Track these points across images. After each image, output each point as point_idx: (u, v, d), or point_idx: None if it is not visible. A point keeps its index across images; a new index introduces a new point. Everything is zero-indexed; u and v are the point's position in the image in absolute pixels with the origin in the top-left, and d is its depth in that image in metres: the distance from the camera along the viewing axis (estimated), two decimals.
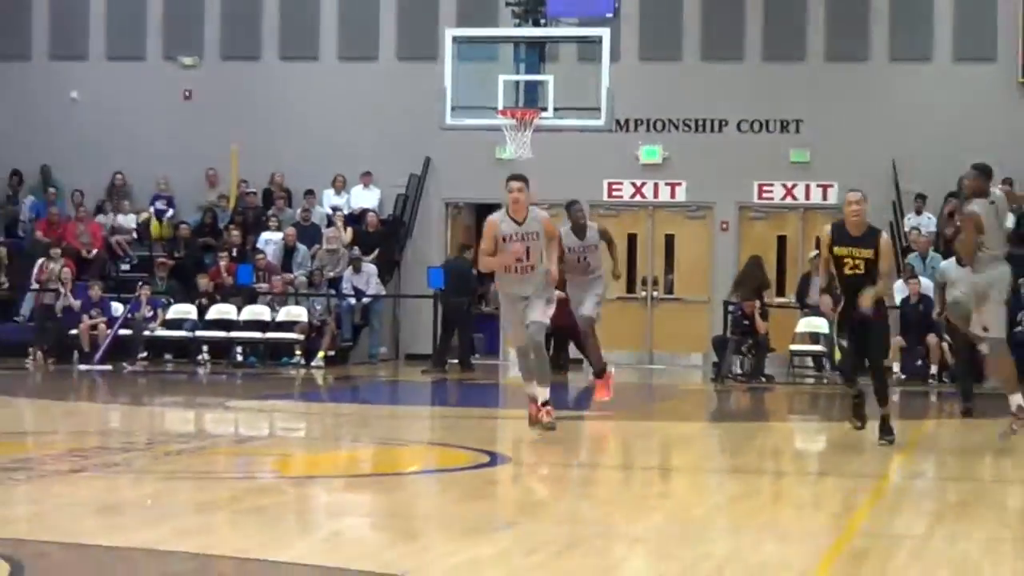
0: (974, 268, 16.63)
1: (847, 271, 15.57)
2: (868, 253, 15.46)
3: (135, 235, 33.74)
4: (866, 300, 15.19)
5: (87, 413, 21.32)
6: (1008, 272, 16.71)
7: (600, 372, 19.57)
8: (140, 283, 31.00)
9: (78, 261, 31.97)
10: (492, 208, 34.24)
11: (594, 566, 9.50)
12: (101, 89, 34.38)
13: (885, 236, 15.94)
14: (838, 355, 16.46)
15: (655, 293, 33.34)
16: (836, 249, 15.64)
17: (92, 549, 9.33)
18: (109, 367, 27.92)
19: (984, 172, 17.53)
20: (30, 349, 29.98)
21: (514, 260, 15.84)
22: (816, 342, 30.07)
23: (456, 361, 29.50)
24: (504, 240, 15.91)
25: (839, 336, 16.06)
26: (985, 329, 16.62)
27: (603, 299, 19.73)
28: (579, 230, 19.24)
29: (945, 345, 28.23)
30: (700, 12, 33.37)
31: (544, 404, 16.21)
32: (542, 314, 15.98)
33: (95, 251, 32.65)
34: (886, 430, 16.43)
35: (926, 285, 29.36)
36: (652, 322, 33.34)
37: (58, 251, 31.81)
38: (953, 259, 19.26)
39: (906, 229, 31.56)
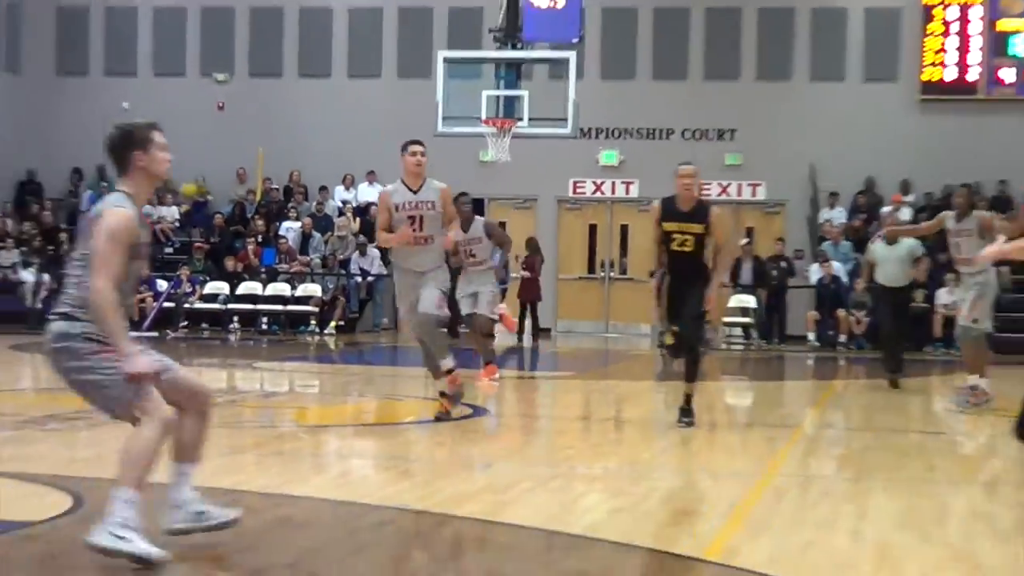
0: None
1: (675, 247, 13.30)
2: (699, 228, 13.19)
3: (177, 223, 33.75)
4: (712, 305, 13.29)
5: None
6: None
7: (488, 361, 18.37)
8: (181, 264, 31.05)
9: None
10: (475, 202, 34.32)
11: (559, 500, 9.55)
12: (148, 100, 34.27)
13: (716, 209, 13.71)
14: (669, 340, 13.62)
15: (612, 274, 33.38)
16: (665, 225, 13.32)
17: None
18: (155, 334, 27.87)
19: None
20: None
21: (409, 231, 13.10)
22: (745, 315, 30.24)
23: (445, 330, 29.50)
24: (397, 209, 13.24)
25: (670, 323, 13.46)
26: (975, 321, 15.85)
27: (496, 295, 18.60)
28: (464, 223, 17.39)
29: (852, 318, 28.43)
30: (651, 37, 33.42)
31: (442, 394, 13.56)
32: (433, 306, 13.15)
33: None
34: (686, 411, 13.69)
35: (836, 267, 29.56)
36: (609, 298, 33.39)
37: None
38: (882, 241, 18.85)
39: (821, 221, 31.68)
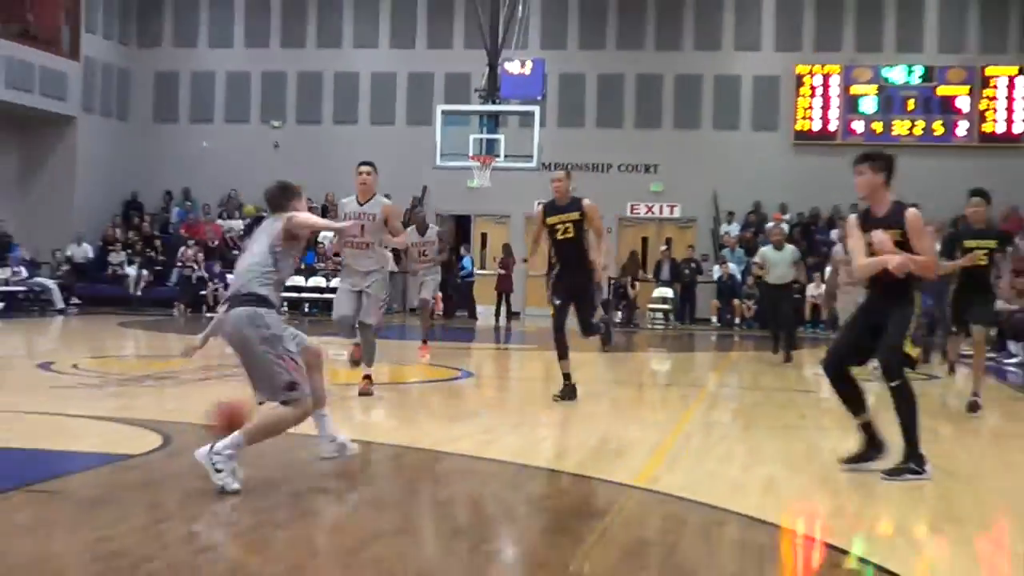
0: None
1: (559, 237, 12.34)
2: (575, 216, 12.27)
3: (242, 233, 33.63)
4: (599, 268, 12.06)
5: (212, 343, 21.21)
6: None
7: (424, 339, 17.50)
8: None
9: (206, 248, 31.88)
10: (464, 218, 34.03)
11: (527, 440, 9.56)
12: (222, 142, 34.27)
13: (587, 201, 12.57)
14: (553, 312, 12.47)
15: None
16: (548, 219, 12.41)
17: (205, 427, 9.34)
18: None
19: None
20: (175, 303, 29.89)
21: (351, 235, 11.90)
22: (665, 303, 30.25)
23: (441, 313, 29.52)
24: (346, 217, 11.94)
25: (553, 297, 12.47)
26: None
27: (438, 285, 17.83)
28: (420, 229, 17.30)
29: (744, 307, 28.53)
30: (595, 96, 33.40)
31: (366, 376, 12.33)
32: (373, 317, 12.16)
33: (217, 242, 32.54)
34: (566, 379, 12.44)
35: (732, 268, 29.62)
36: None
37: (193, 242, 31.72)
38: (771, 247, 18.64)
39: (721, 233, 31.73)
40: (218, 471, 6.82)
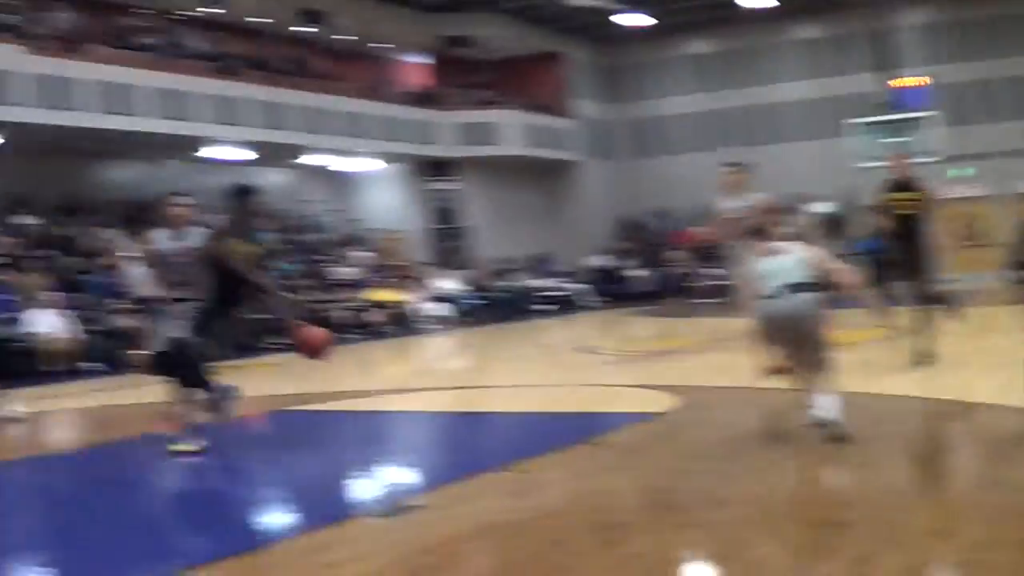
0: None
1: (899, 212, 10.03)
2: (917, 195, 9.97)
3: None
4: None
5: (702, 324, 21.00)
6: None
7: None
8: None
9: (687, 251, 30.92)
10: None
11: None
12: (685, 168, 34.31)
13: (927, 183, 10.34)
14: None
15: None
16: (892, 196, 10.08)
17: (708, 388, 9.39)
18: (713, 301, 26.14)
19: None
20: (670, 295, 29.88)
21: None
22: None
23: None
24: (721, 213, 10.65)
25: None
26: None
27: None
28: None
29: None
30: (975, 99, 30.56)
31: None
32: None
33: (695, 245, 30.23)
34: None
35: None
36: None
37: (677, 247, 31.77)
38: None
39: None
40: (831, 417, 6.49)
